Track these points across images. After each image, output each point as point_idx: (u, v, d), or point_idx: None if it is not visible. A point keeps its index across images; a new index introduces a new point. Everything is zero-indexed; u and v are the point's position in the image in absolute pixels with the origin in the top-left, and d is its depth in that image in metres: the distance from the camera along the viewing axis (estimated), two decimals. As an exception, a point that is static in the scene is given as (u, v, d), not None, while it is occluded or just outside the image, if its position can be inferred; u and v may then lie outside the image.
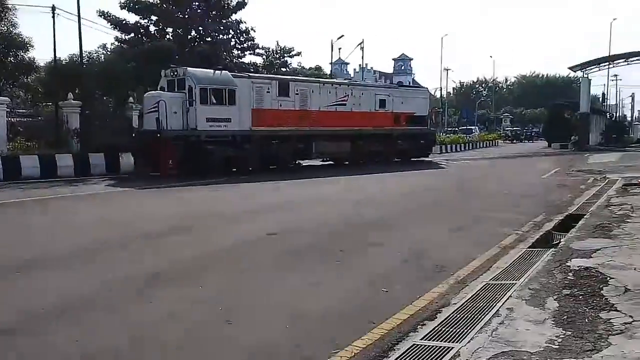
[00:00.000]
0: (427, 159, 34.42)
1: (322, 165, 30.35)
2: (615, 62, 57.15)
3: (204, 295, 6.95)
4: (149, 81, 28.04)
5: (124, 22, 37.29)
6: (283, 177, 22.95)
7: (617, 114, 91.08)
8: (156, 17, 37.81)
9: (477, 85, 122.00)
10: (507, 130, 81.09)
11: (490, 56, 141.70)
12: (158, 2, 37.50)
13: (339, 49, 61.59)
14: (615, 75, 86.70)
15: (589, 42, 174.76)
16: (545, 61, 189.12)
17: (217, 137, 24.53)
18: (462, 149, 49.73)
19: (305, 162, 29.47)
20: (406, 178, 23.53)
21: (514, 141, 72.21)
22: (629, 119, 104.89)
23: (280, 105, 27.22)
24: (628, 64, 56.46)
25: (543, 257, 8.02)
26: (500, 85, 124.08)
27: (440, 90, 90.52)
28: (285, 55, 47.39)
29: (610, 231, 9.62)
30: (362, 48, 59.85)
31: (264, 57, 44.57)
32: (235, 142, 25.19)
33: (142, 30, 37.90)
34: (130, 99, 30.42)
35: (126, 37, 37.75)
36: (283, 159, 27.43)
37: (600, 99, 78.89)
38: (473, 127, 74.74)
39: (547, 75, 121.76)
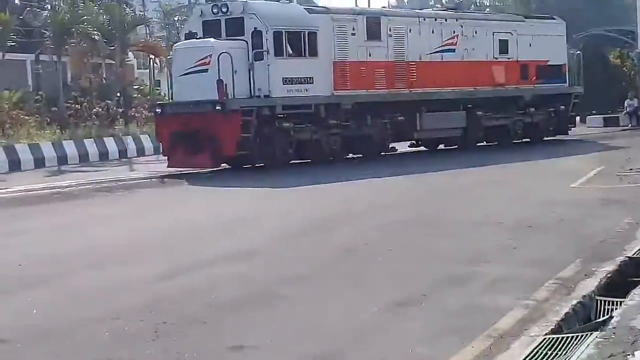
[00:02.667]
0: (567, 137, 23.03)
1: (420, 153, 20.87)
2: None
3: None
4: None
5: None
6: (362, 172, 15.76)
7: None
8: None
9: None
10: None
11: None
12: None
13: None
14: None
15: None
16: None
17: (297, 107, 16.84)
18: None
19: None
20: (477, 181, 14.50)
21: None
22: None
23: (370, 55, 18.51)
24: None
25: (578, 353, 4.60)
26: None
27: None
28: None
29: None
30: None
31: None
32: (316, 116, 17.13)
33: None
34: None
35: None
36: (373, 142, 18.51)
37: None
38: None
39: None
